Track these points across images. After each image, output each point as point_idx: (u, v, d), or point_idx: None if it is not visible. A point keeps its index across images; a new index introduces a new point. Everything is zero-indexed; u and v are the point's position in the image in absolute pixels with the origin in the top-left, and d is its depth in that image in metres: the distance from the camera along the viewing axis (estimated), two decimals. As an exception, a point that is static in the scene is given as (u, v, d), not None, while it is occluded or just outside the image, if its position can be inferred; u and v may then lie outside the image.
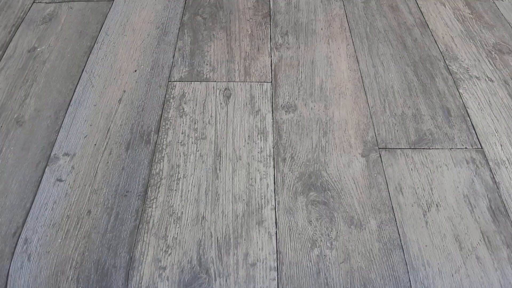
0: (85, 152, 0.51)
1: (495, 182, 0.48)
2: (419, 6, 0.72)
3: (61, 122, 0.55)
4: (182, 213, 0.46)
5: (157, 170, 0.49)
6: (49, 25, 0.69)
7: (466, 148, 0.51)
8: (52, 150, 0.52)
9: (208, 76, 0.60)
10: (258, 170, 0.49)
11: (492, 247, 0.43)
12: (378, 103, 0.56)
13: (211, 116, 0.55)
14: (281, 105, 0.56)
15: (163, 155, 0.51)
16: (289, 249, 0.43)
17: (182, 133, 0.53)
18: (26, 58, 0.63)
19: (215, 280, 0.41)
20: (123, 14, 0.71)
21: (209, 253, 0.43)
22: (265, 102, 0.56)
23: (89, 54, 0.64)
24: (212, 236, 0.44)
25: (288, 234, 0.44)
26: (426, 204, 0.46)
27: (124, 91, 0.58)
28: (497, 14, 0.70)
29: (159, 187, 0.48)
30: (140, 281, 0.41)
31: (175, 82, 0.59)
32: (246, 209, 0.46)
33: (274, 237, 0.44)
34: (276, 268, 0.42)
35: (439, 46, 0.65)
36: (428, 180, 0.48)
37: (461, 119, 0.55)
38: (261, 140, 0.52)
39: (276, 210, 0.46)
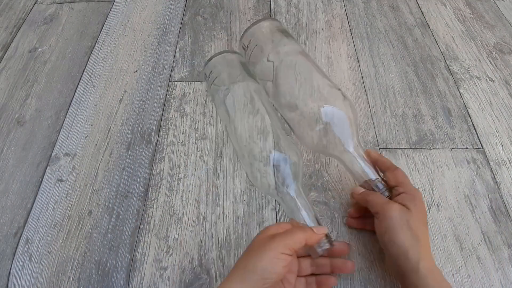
0: (86, 152, 0.51)
1: (496, 182, 0.48)
2: (420, 6, 0.72)
3: (62, 122, 0.55)
4: (183, 213, 0.46)
5: (158, 171, 0.49)
6: (50, 26, 0.69)
7: (467, 148, 0.51)
8: (53, 150, 0.52)
9: (208, 76, 0.60)
10: (258, 170, 0.49)
11: (493, 247, 0.43)
12: (378, 103, 0.56)
13: (211, 116, 0.55)
14: (282, 105, 0.56)
15: (163, 155, 0.51)
16: (290, 249, 0.43)
17: (182, 133, 0.53)
18: (27, 58, 0.63)
19: (216, 280, 0.41)
20: (124, 14, 0.71)
21: (210, 254, 0.43)
22: (266, 102, 0.56)
23: (90, 55, 0.64)
24: (213, 237, 0.44)
25: (289, 234, 0.44)
26: (427, 204, 0.46)
27: (125, 91, 0.58)
28: (498, 14, 0.70)
29: (159, 188, 0.48)
30: (141, 282, 0.41)
31: (175, 82, 0.59)
32: (247, 209, 0.46)
33: (274, 238, 0.44)
34: (277, 269, 0.42)
35: (439, 46, 0.65)
36: (428, 180, 0.48)
37: (462, 119, 0.55)
38: (261, 140, 0.52)
39: (277, 210, 0.46)
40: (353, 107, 0.45)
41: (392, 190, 0.40)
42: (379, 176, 0.42)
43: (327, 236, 0.37)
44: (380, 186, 0.41)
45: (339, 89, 0.46)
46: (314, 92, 0.46)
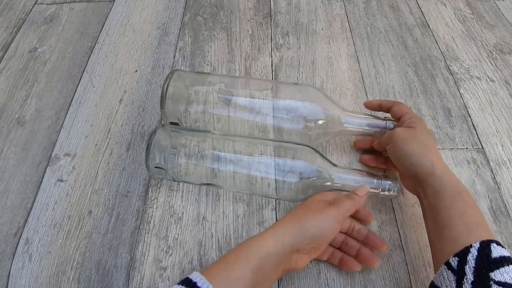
0: (86, 153, 0.51)
1: (496, 182, 0.48)
2: (420, 6, 0.72)
3: (62, 122, 0.55)
4: (183, 213, 0.46)
5: (158, 171, 0.49)
6: (50, 26, 0.69)
7: (467, 148, 0.51)
8: (53, 151, 0.52)
9: (208, 76, 0.60)
10: (259, 170, 0.49)
11: (493, 247, 0.43)
12: (378, 104, 0.56)
13: (211, 116, 0.55)
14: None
15: (163, 156, 0.51)
16: (290, 249, 0.43)
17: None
18: (27, 58, 0.63)
19: (216, 280, 0.41)
20: (124, 14, 0.71)
21: (210, 254, 0.43)
22: (266, 102, 0.56)
23: (90, 55, 0.64)
24: (213, 237, 0.44)
25: (289, 234, 0.44)
26: (427, 205, 0.46)
27: (125, 92, 0.58)
28: (498, 14, 0.70)
29: (159, 188, 0.48)
30: (141, 281, 0.41)
31: (175, 83, 0.59)
32: (247, 209, 0.46)
33: (274, 238, 0.44)
34: (277, 269, 0.42)
35: (439, 46, 0.65)
36: (429, 180, 0.48)
37: (462, 119, 0.55)
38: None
39: (277, 210, 0.46)
40: (313, 88, 0.47)
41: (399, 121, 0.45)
42: (383, 119, 0.46)
43: (381, 176, 0.42)
44: (392, 126, 0.45)
45: (296, 83, 0.49)
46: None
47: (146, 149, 0.42)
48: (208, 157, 0.43)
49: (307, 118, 0.44)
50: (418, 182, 0.38)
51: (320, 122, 0.44)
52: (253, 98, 0.47)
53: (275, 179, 0.42)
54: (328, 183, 0.42)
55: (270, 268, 0.33)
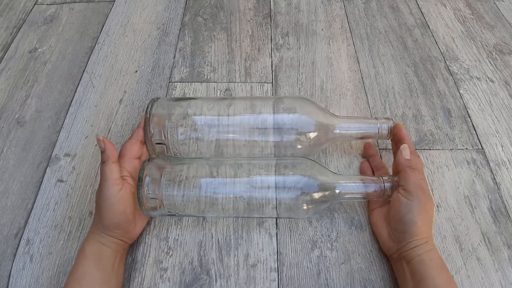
0: (86, 153, 0.51)
1: (496, 183, 0.48)
2: (420, 6, 0.72)
3: (62, 122, 0.55)
4: (183, 214, 0.46)
5: (158, 171, 0.49)
6: (50, 26, 0.69)
7: (467, 148, 0.52)
8: (53, 151, 0.52)
9: (208, 76, 0.60)
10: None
11: (493, 248, 0.43)
12: (378, 104, 0.56)
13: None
14: (282, 106, 0.56)
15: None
16: (290, 250, 0.43)
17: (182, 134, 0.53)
18: (27, 58, 0.63)
19: (216, 281, 0.41)
20: (124, 14, 0.71)
21: (210, 254, 0.43)
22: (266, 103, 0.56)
23: (90, 55, 0.64)
24: (213, 237, 0.44)
25: (289, 235, 0.44)
26: (427, 205, 0.46)
27: (125, 92, 0.58)
28: (498, 15, 0.70)
29: (160, 188, 0.48)
30: (142, 282, 0.41)
31: (175, 83, 0.59)
32: (247, 207, 0.46)
33: (274, 238, 0.44)
34: (277, 269, 0.42)
35: (439, 46, 0.65)
36: (428, 181, 0.48)
37: (461, 119, 0.55)
38: (262, 141, 0.52)
39: (277, 209, 0.46)
40: (302, 99, 0.46)
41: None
42: (375, 119, 0.46)
43: (383, 180, 0.42)
44: (386, 127, 0.45)
45: (284, 96, 0.48)
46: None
47: (138, 182, 0.39)
48: (203, 185, 0.41)
49: (299, 131, 0.44)
50: (406, 248, 0.38)
51: (312, 133, 0.44)
52: (243, 116, 0.47)
53: (276, 198, 0.41)
54: (331, 194, 0.41)
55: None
